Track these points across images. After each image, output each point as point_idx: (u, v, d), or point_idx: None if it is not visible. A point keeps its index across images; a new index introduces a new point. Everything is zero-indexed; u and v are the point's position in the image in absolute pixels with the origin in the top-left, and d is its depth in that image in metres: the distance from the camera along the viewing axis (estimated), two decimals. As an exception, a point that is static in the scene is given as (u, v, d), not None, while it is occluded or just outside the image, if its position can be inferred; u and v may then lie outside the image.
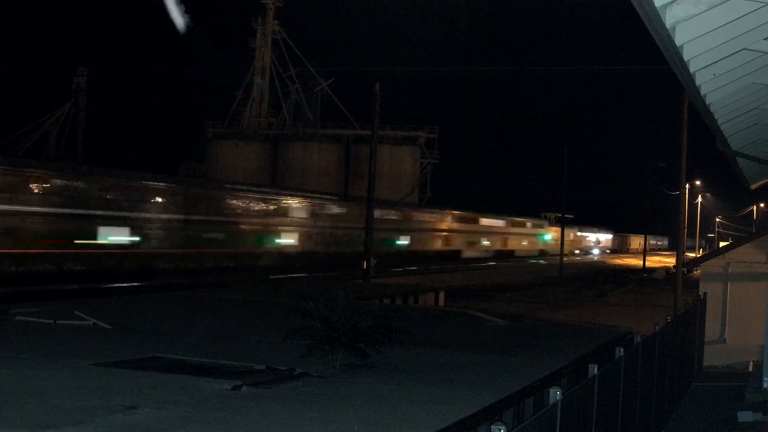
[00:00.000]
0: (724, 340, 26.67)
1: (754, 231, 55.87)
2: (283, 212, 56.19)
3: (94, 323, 18.58)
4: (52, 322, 18.81)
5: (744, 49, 11.96)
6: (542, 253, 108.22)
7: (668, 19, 10.40)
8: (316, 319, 13.75)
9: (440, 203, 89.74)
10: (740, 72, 13.34)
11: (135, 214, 42.00)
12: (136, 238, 42.13)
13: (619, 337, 20.79)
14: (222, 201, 50.18)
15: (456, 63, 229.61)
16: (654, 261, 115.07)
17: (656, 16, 10.08)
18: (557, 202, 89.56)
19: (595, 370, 9.39)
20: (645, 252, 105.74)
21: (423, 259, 72.21)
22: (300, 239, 57.49)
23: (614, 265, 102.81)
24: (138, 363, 13.94)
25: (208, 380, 12.53)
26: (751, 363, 24.76)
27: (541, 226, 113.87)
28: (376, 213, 50.70)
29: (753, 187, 30.27)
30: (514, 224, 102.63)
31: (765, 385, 18.58)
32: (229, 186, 55.60)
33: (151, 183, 44.66)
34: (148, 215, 43.09)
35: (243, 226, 51.51)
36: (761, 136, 19.70)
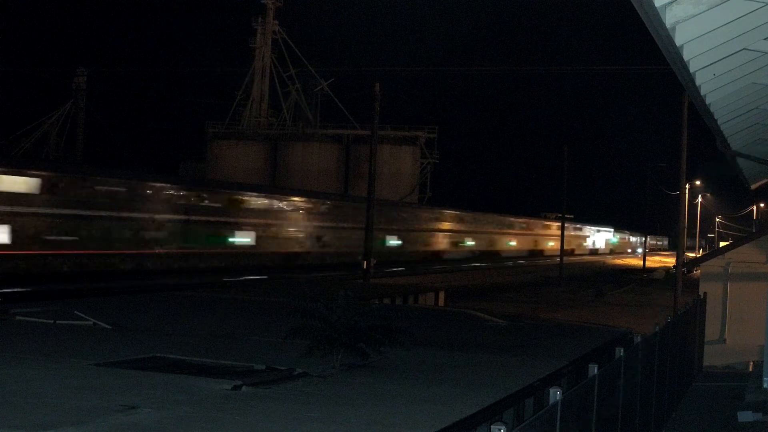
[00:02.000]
0: (724, 340, 26.67)
1: (754, 231, 55.86)
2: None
3: (94, 323, 18.57)
4: (52, 322, 18.81)
5: (744, 49, 11.95)
6: (611, 251, 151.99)
7: (668, 19, 10.40)
8: (316, 319, 13.75)
9: (441, 203, 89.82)
10: (740, 72, 13.34)
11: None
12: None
13: (619, 337, 20.80)
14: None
15: (456, 63, 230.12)
16: (654, 261, 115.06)
17: (656, 16, 10.08)
18: (557, 202, 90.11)
19: (595, 370, 9.38)
20: (645, 252, 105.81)
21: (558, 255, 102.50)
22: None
23: (614, 265, 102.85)
24: (138, 363, 13.94)
25: (208, 380, 12.53)
26: (751, 363, 24.75)
27: (610, 232, 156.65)
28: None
29: (753, 187, 30.28)
30: (598, 231, 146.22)
31: (765, 385, 18.57)
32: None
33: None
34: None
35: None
36: (761, 136, 19.69)
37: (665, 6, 10.24)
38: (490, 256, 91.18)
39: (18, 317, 19.18)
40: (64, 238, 38.58)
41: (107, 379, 12.32)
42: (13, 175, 36.60)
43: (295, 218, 57.01)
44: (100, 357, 14.17)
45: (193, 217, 46.57)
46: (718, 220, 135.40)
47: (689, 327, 20.80)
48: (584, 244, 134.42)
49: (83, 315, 19.18)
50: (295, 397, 11.65)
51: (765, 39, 11.69)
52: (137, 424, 9.74)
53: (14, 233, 36.13)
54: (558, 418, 7.33)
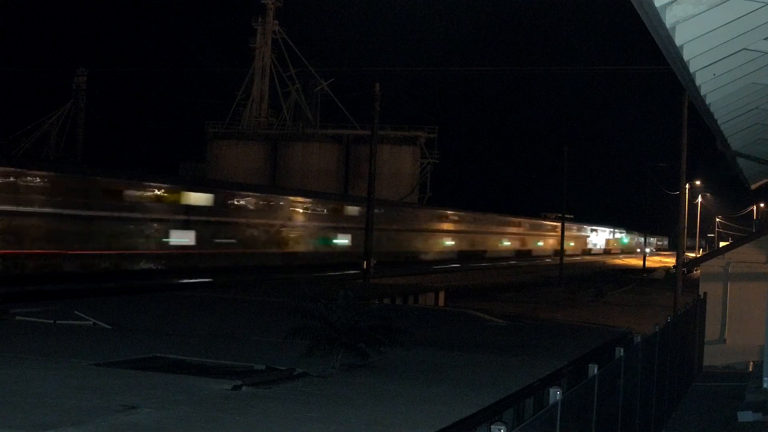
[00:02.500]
0: (724, 340, 26.67)
1: (754, 231, 55.85)
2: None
3: (94, 323, 18.58)
4: (52, 322, 18.81)
5: (744, 49, 11.95)
6: (622, 251, 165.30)
7: (668, 19, 10.40)
8: (316, 319, 13.74)
9: (441, 203, 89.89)
10: (740, 72, 13.33)
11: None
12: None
13: (619, 337, 20.80)
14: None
15: (456, 63, 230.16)
16: (654, 261, 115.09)
17: (656, 16, 10.08)
18: (557, 202, 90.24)
19: (595, 370, 9.38)
20: (644, 252, 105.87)
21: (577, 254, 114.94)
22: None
23: (614, 265, 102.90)
24: (138, 363, 13.94)
25: (208, 380, 12.53)
26: (751, 363, 24.75)
27: (622, 233, 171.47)
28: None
29: (753, 187, 30.28)
30: (612, 232, 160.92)
31: (765, 385, 18.57)
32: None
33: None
34: None
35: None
36: (761, 136, 19.69)
37: (665, 6, 10.23)
38: (524, 254, 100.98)
39: (18, 317, 19.18)
40: (227, 240, 47.69)
41: (107, 379, 12.32)
42: (197, 192, 46.03)
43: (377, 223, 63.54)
44: (100, 357, 14.17)
45: (317, 224, 57.09)
46: (718, 220, 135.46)
47: (689, 327, 20.80)
48: (599, 245, 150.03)
49: (83, 315, 19.18)
50: (295, 397, 11.65)
51: (765, 39, 11.68)
52: (137, 424, 9.74)
53: (197, 237, 44.86)
54: (558, 418, 7.33)
